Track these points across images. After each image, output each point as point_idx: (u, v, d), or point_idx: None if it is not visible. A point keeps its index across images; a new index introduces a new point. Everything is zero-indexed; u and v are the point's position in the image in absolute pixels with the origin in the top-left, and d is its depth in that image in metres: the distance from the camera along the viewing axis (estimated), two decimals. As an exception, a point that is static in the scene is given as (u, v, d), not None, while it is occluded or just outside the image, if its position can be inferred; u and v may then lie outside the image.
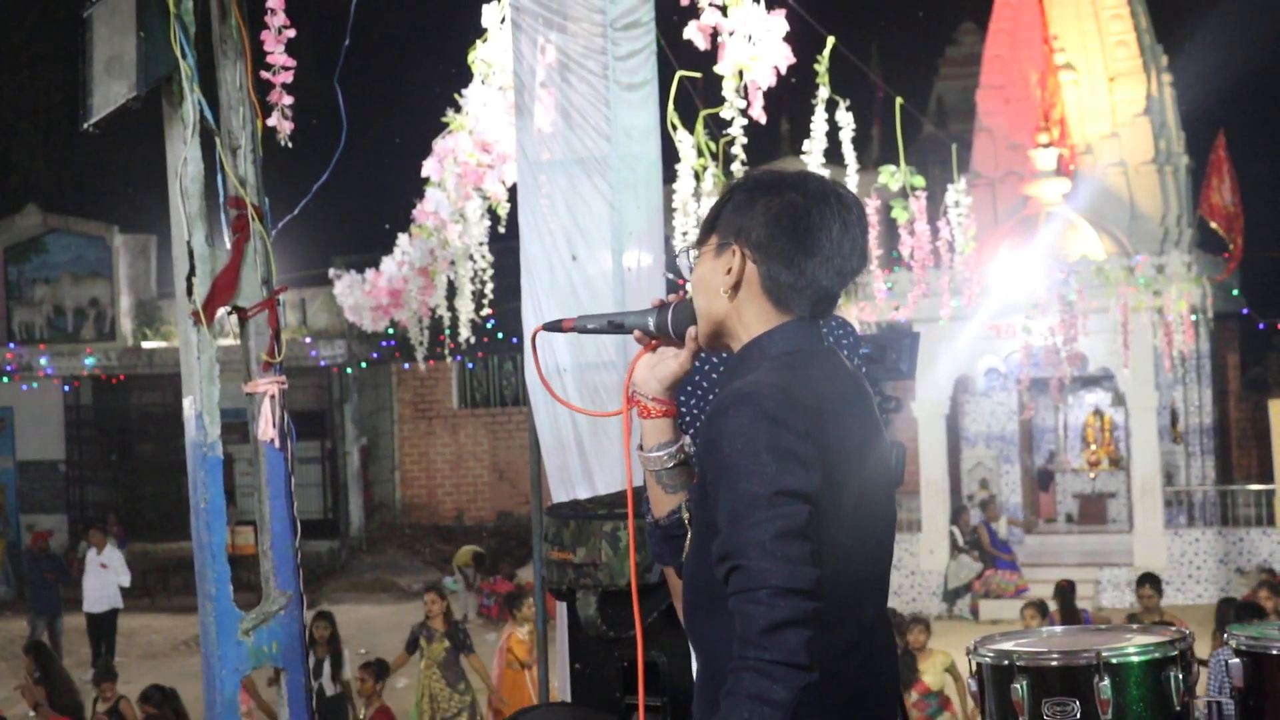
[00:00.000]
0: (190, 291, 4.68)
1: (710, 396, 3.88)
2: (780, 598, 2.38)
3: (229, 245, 4.78)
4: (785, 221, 2.62)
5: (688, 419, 3.81)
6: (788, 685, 2.36)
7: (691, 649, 2.81)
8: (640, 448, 2.82)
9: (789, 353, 2.62)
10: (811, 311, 2.67)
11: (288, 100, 4.77)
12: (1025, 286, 17.74)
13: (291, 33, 4.77)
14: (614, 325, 2.86)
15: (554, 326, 2.90)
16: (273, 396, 4.77)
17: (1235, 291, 21.56)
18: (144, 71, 4.56)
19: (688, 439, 2.80)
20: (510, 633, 11.30)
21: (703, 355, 2.86)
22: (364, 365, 24.40)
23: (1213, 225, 20.73)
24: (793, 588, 2.39)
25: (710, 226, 2.71)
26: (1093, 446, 21.92)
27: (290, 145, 4.78)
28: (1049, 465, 22.40)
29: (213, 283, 4.71)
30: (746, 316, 2.66)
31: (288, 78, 4.76)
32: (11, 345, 24.46)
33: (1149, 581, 11.87)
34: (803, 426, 2.49)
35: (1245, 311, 22.23)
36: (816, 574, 2.41)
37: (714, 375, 3.87)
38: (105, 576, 17.07)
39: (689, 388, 3.85)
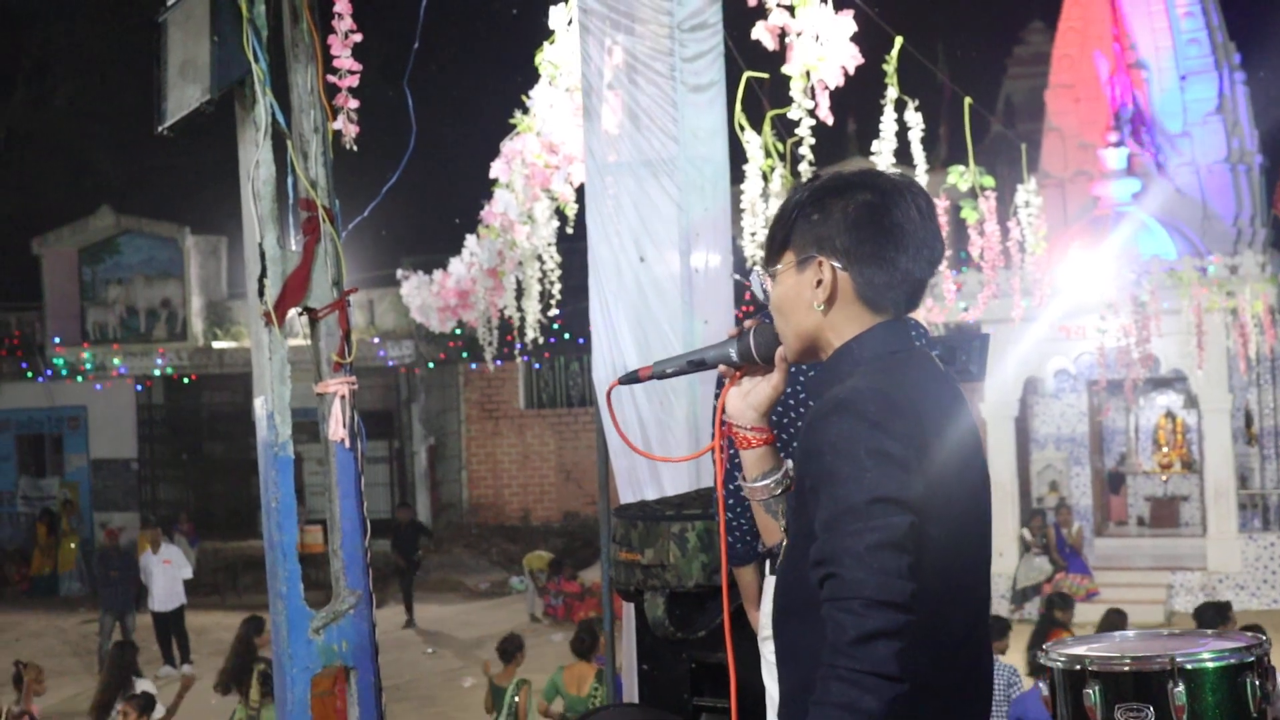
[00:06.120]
0: (262, 293, 4.72)
1: (800, 409, 3.83)
2: (873, 609, 2.34)
3: (300, 247, 4.82)
4: (868, 222, 2.56)
5: (784, 438, 3.72)
6: (878, 696, 2.32)
7: (772, 656, 2.77)
8: (743, 479, 2.77)
9: (883, 355, 2.57)
10: (906, 306, 2.63)
11: (353, 104, 4.79)
12: (1096, 287, 17.55)
13: (358, 37, 4.80)
14: (694, 364, 2.75)
15: (630, 378, 2.80)
16: (343, 397, 4.80)
17: (1311, 292, 21.22)
18: (217, 75, 4.61)
19: (790, 463, 2.72)
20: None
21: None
22: (431, 366, 24.51)
23: (1288, 225, 20.45)
24: (885, 600, 2.34)
25: (783, 243, 2.63)
26: (1164, 449, 21.65)
27: (355, 149, 4.81)
28: (1120, 468, 22.14)
29: (284, 284, 4.75)
30: (839, 324, 2.60)
31: (354, 82, 4.79)
32: (86, 345, 24.81)
33: None
34: (904, 431, 2.44)
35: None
36: (912, 587, 2.36)
37: (800, 381, 3.82)
38: (170, 573, 17.17)
39: (778, 406, 3.78)
